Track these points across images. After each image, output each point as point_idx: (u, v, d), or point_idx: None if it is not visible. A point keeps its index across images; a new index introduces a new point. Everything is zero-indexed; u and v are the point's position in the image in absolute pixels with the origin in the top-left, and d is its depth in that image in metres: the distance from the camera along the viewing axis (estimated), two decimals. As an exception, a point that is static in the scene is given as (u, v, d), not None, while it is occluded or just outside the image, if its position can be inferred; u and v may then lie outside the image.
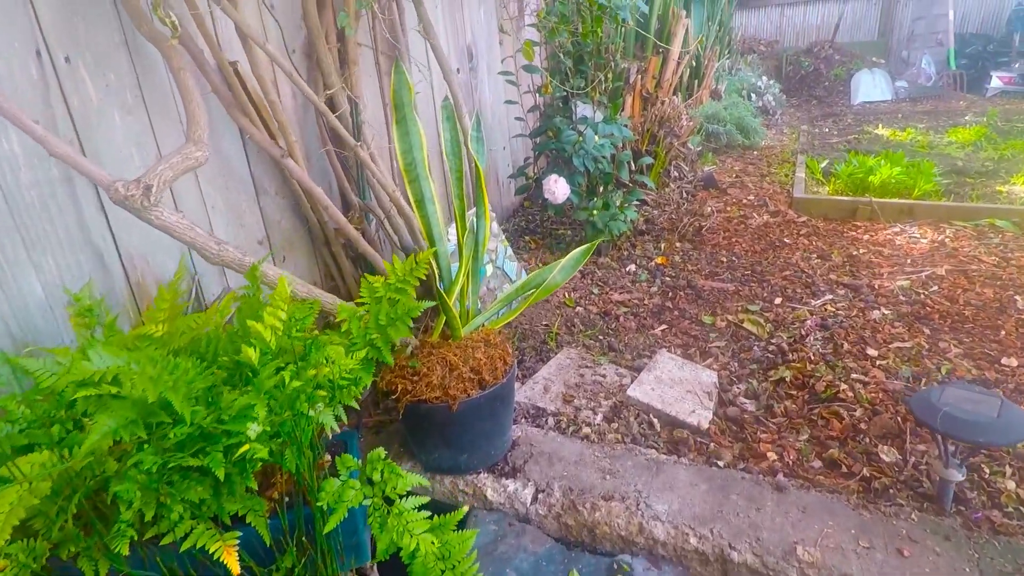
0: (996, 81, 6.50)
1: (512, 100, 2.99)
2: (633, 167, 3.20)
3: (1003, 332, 2.00)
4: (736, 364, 2.02)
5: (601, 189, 2.99)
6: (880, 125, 5.41)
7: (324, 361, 1.10)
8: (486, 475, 1.55)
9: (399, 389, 1.43)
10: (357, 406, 1.22)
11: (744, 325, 2.23)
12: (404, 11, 2.14)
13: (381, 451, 1.14)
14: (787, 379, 1.87)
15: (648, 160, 3.28)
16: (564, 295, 2.54)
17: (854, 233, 3.00)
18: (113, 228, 1.34)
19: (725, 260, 2.81)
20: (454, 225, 1.69)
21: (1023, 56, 6.66)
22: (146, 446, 0.88)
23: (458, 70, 2.82)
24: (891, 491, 1.41)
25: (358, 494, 1.07)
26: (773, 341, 2.10)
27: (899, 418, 1.64)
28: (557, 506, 1.45)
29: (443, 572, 1.08)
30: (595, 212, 2.82)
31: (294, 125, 1.84)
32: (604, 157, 2.82)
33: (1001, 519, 1.30)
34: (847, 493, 1.40)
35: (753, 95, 6.24)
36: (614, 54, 3.07)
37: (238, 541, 1.00)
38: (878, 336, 2.05)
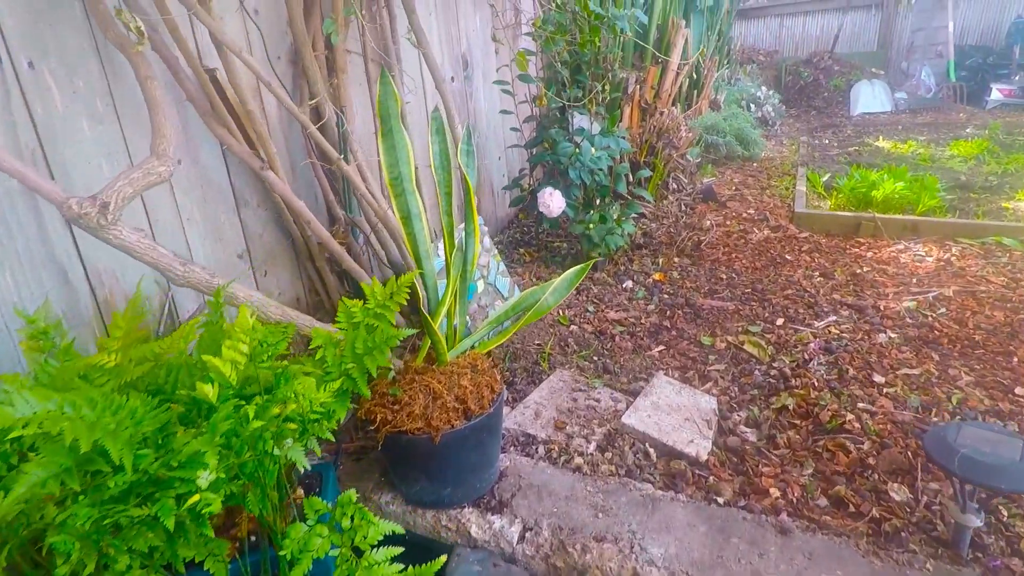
0: (996, 93, 6.47)
1: (507, 110, 2.91)
2: (631, 179, 3.12)
3: (1015, 359, 1.92)
4: (736, 389, 1.93)
5: (598, 202, 2.90)
6: (880, 137, 5.35)
7: (292, 396, 1.01)
8: (471, 510, 1.46)
9: (378, 419, 1.34)
10: (333, 438, 1.13)
11: (745, 347, 2.14)
12: (396, 18, 2.07)
13: (352, 494, 1.05)
14: (790, 407, 1.78)
15: (646, 172, 3.20)
16: (559, 312, 2.46)
17: (857, 250, 2.92)
18: (79, 243, 1.25)
19: (725, 277, 2.72)
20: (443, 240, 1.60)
21: (1023, 68, 6.63)
22: (81, 497, 0.78)
23: (452, 79, 2.74)
24: (903, 534, 1.32)
25: (325, 542, 0.98)
26: (775, 365, 2.01)
27: (909, 452, 1.55)
28: (546, 546, 1.36)
29: (418, 630, 0.99)
30: (591, 226, 2.74)
31: (278, 135, 1.76)
32: (601, 170, 2.74)
33: (1022, 568, 1.21)
34: (856, 536, 1.31)
35: (752, 105, 6.18)
36: (612, 64, 3.00)
37: (194, 592, 0.91)
38: (885, 361, 1.96)
